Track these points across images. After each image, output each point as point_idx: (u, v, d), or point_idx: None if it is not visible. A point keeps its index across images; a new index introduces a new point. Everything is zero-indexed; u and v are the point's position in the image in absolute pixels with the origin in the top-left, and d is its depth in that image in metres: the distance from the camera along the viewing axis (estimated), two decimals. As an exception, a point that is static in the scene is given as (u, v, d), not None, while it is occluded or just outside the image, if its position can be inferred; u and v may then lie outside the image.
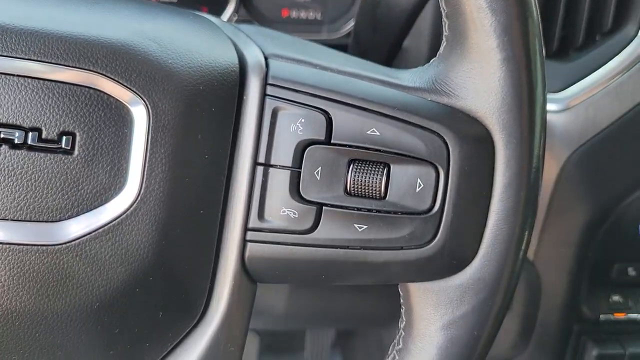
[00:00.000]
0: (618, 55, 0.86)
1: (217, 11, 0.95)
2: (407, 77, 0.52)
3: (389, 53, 0.85)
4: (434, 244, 0.49)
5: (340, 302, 1.13)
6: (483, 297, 0.50)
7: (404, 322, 0.53)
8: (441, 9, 0.50)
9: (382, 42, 0.84)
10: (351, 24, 0.97)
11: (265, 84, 0.50)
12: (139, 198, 0.46)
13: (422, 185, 0.49)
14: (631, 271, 0.99)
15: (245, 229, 0.50)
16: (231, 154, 0.49)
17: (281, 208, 0.49)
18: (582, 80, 0.86)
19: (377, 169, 0.49)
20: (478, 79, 0.48)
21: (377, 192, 0.49)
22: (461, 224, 0.49)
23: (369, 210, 0.49)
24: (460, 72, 0.49)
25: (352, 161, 0.49)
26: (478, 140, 0.49)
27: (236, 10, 0.95)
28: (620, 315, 1.02)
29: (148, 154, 0.46)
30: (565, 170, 0.87)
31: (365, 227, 0.49)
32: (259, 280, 0.52)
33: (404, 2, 0.80)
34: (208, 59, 0.49)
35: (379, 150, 0.49)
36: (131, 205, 0.46)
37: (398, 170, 0.49)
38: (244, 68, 0.50)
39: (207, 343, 0.51)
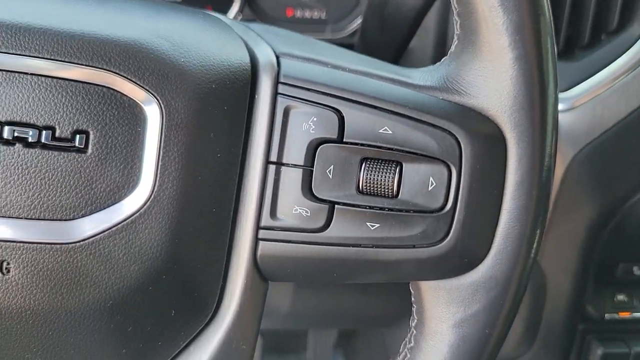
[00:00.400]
0: (624, 55, 0.86)
1: (222, 10, 0.95)
2: (419, 75, 0.52)
3: (397, 52, 0.85)
4: (446, 243, 0.49)
5: (344, 302, 1.12)
6: (495, 296, 0.50)
7: (416, 320, 0.53)
8: (452, 7, 0.50)
9: (390, 42, 0.84)
10: (356, 23, 0.97)
11: (276, 82, 0.50)
12: (152, 196, 0.46)
13: (435, 184, 0.49)
14: (636, 270, 0.99)
15: (258, 227, 0.50)
16: (243, 152, 0.49)
17: (293, 206, 0.49)
18: (587, 80, 0.86)
19: (389, 168, 0.49)
20: (490, 78, 0.48)
21: (390, 191, 0.49)
22: (473, 222, 0.49)
23: (381, 208, 0.49)
24: (472, 70, 0.49)
25: (364, 160, 0.49)
26: (490, 138, 0.49)
27: (241, 10, 0.95)
28: (625, 315, 1.02)
29: (161, 152, 0.46)
30: (571, 170, 0.87)
31: (378, 225, 0.49)
32: (271, 278, 0.52)
33: (412, 1, 0.80)
34: (220, 58, 0.49)
35: (391, 149, 0.49)
36: (144, 204, 0.46)
37: (410, 169, 0.49)
38: (255, 67, 0.50)
39: (219, 341, 0.51)
